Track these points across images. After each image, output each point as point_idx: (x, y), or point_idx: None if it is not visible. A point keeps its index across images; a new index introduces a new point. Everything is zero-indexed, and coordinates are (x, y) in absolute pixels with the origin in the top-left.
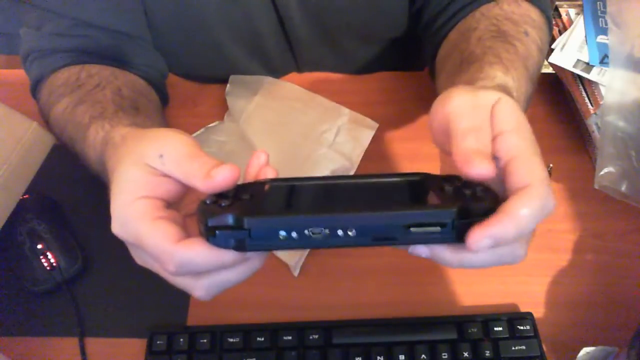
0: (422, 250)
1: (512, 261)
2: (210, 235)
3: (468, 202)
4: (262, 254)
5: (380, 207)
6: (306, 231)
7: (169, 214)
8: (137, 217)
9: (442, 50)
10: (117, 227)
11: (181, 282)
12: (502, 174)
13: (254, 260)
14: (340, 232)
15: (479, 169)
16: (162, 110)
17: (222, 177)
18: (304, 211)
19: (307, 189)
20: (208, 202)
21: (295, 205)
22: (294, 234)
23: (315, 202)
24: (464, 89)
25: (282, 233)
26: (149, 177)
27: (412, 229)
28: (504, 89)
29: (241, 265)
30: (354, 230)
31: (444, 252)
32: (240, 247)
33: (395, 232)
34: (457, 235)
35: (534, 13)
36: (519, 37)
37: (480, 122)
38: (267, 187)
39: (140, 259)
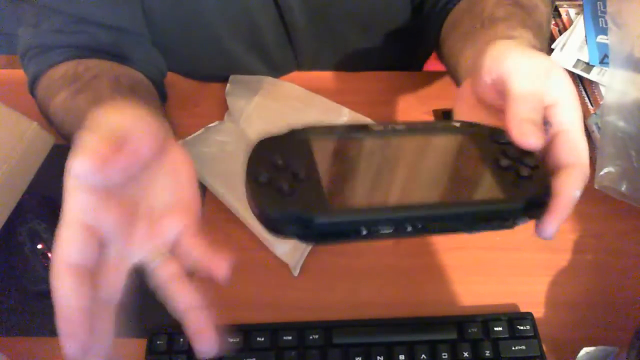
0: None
1: None
2: (274, 230)
3: (531, 193)
4: None
5: (446, 199)
6: (376, 230)
7: None
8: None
9: (450, 17)
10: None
11: None
12: (550, 140)
13: None
14: (409, 229)
15: (531, 142)
16: (160, 101)
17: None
18: (376, 209)
19: (361, 157)
20: (262, 177)
21: (359, 188)
22: (364, 232)
23: (378, 184)
24: (518, 47)
25: (352, 231)
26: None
27: (478, 224)
28: None
29: None
30: (420, 226)
31: None
32: (303, 240)
33: (463, 228)
34: (517, 223)
35: None
36: (533, 9)
37: (537, 86)
38: (315, 151)
39: None
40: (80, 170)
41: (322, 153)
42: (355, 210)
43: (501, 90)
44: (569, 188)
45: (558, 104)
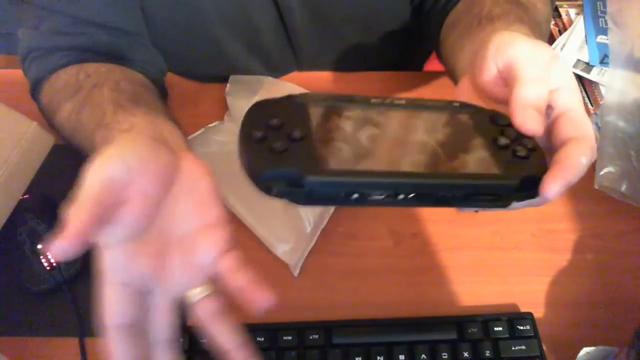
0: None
1: None
2: (263, 188)
3: (527, 171)
4: None
5: (441, 169)
6: (368, 194)
7: None
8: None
9: (449, 19)
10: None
11: None
12: (552, 122)
13: None
14: (401, 196)
15: (532, 128)
16: (162, 99)
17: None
18: (368, 172)
19: (357, 125)
20: (256, 135)
21: (352, 153)
22: (355, 196)
23: (372, 151)
24: (522, 36)
25: (343, 194)
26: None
27: (471, 198)
28: None
29: None
30: (412, 194)
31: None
32: (294, 201)
33: (455, 201)
34: (511, 202)
35: None
36: (531, 8)
37: (543, 73)
38: (312, 115)
39: None
40: (58, 252)
41: (318, 118)
42: (348, 172)
43: (506, 77)
44: (573, 153)
45: (561, 88)
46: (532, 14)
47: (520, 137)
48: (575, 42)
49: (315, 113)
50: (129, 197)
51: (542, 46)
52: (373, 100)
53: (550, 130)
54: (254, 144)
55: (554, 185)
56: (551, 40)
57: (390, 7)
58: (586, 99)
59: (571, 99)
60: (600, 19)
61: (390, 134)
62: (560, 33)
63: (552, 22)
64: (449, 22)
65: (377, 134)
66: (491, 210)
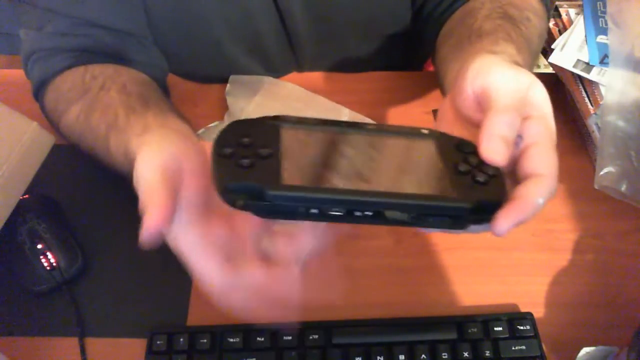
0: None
1: None
2: (229, 200)
3: (483, 196)
4: None
5: (397, 190)
6: (325, 210)
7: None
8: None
9: (445, 28)
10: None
11: None
12: (520, 152)
13: None
14: (358, 213)
15: (495, 158)
16: (168, 97)
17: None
18: (326, 189)
19: (325, 146)
20: (226, 151)
21: (316, 172)
22: (314, 211)
23: (335, 171)
24: (501, 62)
25: (302, 209)
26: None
27: (428, 218)
28: None
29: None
30: (371, 213)
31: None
32: (257, 214)
33: (411, 220)
34: (468, 224)
35: (534, 1)
36: (523, 22)
37: (517, 102)
38: (283, 136)
39: None
40: (149, 239)
41: (288, 139)
42: (306, 188)
43: (482, 103)
44: (531, 192)
45: (533, 118)
46: (523, 31)
47: (482, 164)
48: (575, 42)
49: (286, 134)
50: (183, 179)
51: (520, 73)
52: (344, 124)
53: (516, 160)
54: (223, 159)
55: (505, 222)
56: (551, 40)
57: (391, 12)
58: (586, 99)
59: (542, 131)
60: (600, 19)
61: (355, 156)
62: (560, 33)
63: (552, 22)
64: (445, 31)
65: (342, 156)
66: (449, 232)
